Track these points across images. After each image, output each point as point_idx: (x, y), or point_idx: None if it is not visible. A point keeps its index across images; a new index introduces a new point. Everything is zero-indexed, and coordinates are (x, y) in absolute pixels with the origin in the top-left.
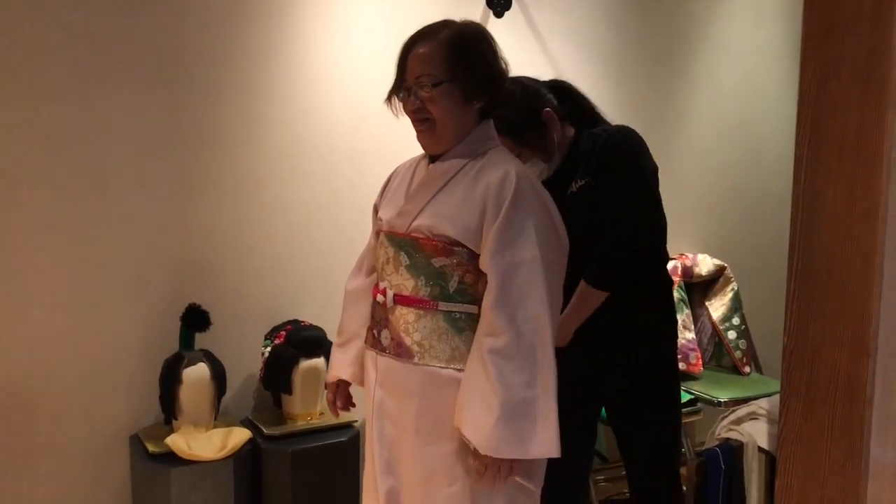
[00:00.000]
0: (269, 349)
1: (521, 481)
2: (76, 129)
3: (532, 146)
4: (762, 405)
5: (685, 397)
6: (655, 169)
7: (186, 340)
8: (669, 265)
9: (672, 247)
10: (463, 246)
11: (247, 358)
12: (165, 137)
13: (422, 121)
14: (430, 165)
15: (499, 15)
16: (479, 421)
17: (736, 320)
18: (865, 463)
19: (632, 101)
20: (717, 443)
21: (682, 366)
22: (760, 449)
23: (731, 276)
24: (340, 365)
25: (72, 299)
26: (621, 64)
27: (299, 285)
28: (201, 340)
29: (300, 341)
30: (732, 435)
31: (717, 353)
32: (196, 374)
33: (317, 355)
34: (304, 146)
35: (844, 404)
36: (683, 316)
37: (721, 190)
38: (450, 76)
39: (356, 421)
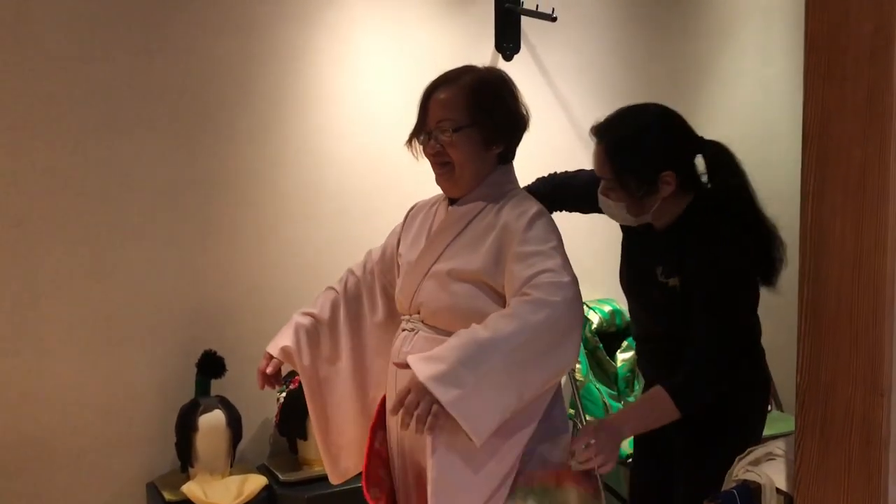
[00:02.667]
0: (284, 394)
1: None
2: (93, 178)
3: (628, 192)
4: (779, 445)
5: None
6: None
7: (202, 387)
8: None
9: None
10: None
11: (263, 404)
12: (180, 183)
13: (441, 164)
14: (450, 208)
15: (508, 58)
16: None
17: None
18: (886, 503)
19: None
20: (734, 485)
21: None
22: (779, 490)
23: None
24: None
25: (86, 346)
26: (630, 102)
27: None
28: (217, 386)
29: None
30: (750, 476)
31: None
32: (212, 421)
33: None
34: (317, 188)
35: (861, 444)
36: None
37: None
38: (470, 121)
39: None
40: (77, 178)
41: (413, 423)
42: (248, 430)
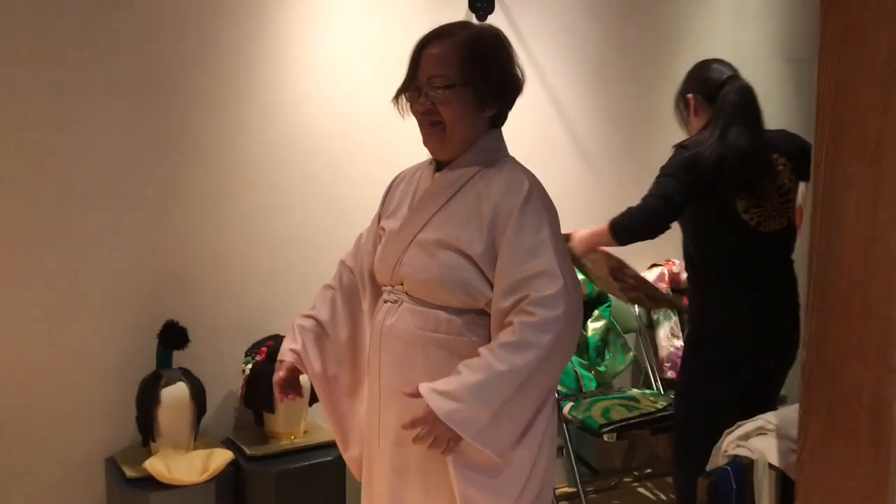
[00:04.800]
0: (250, 366)
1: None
2: (47, 139)
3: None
4: (770, 419)
5: None
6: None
7: (164, 358)
8: (656, 272)
9: (658, 253)
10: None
11: (227, 375)
12: (140, 146)
13: (431, 123)
14: (437, 174)
15: (481, 18)
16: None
17: None
18: (894, 485)
19: (615, 104)
20: (725, 461)
21: (670, 374)
22: (771, 466)
23: None
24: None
25: (41, 317)
26: (604, 66)
27: (281, 298)
28: (179, 358)
29: None
30: (741, 452)
31: None
32: (174, 393)
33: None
34: (284, 152)
35: (869, 424)
36: (672, 324)
37: None
38: (464, 79)
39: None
40: (27, 142)
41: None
42: (213, 403)
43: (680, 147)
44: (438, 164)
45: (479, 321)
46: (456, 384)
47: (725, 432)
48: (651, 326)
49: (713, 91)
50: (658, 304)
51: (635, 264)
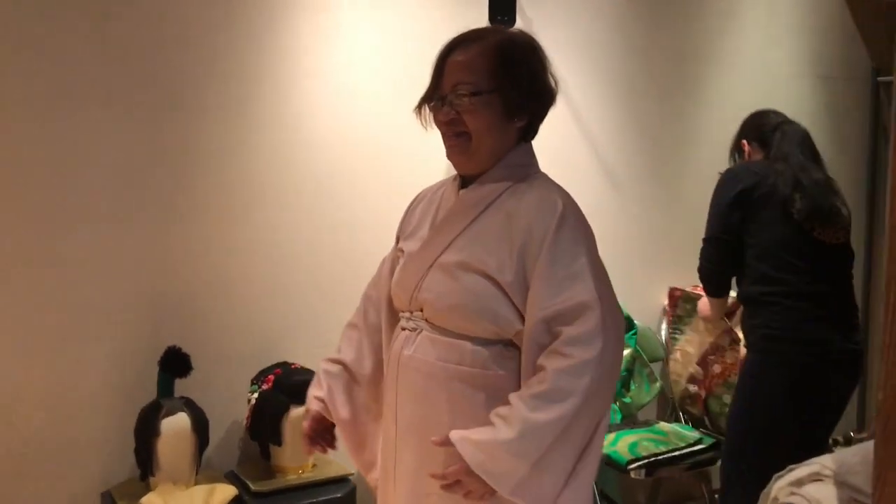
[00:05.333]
0: (255, 395)
1: None
2: (42, 154)
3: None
4: (826, 464)
5: (705, 441)
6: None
7: (165, 387)
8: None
9: (681, 278)
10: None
11: (231, 405)
12: (142, 162)
13: (456, 134)
14: (462, 191)
15: None
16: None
17: None
18: None
19: (641, 122)
20: None
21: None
22: None
23: None
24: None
25: (35, 342)
26: (630, 83)
27: (289, 324)
28: (181, 386)
29: (290, 387)
30: (795, 500)
31: None
32: (175, 424)
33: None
34: (293, 168)
35: None
36: None
37: None
38: (492, 86)
39: (352, 474)
40: (24, 156)
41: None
42: (216, 434)
43: (729, 174)
44: (463, 181)
45: (507, 353)
46: (490, 436)
47: (775, 476)
48: None
49: (767, 134)
50: None
51: (661, 288)
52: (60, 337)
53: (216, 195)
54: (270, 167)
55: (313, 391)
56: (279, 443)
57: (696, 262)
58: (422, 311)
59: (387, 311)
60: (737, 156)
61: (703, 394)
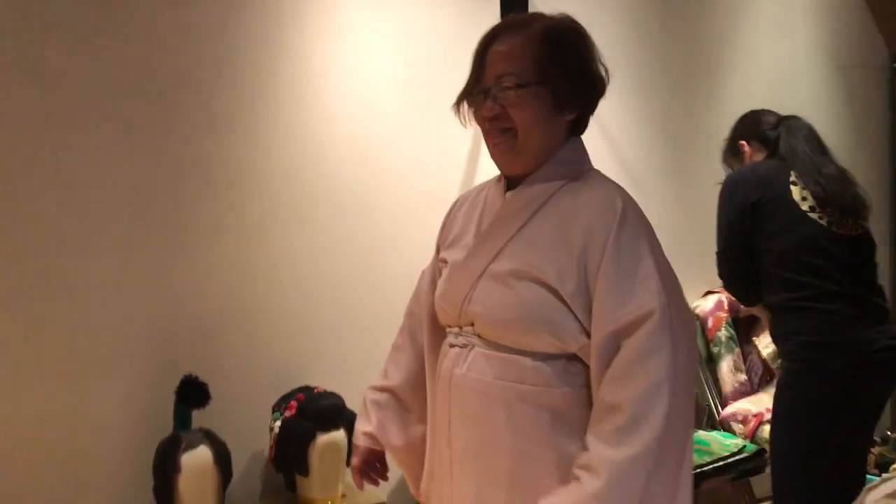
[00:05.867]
0: (279, 423)
1: None
2: (40, 180)
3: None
4: None
5: (749, 448)
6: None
7: (183, 419)
8: (712, 300)
9: (712, 280)
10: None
11: (252, 435)
12: (147, 182)
13: (501, 131)
14: (509, 193)
15: None
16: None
17: None
18: None
19: (658, 119)
20: None
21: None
22: None
23: None
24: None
25: (42, 376)
26: (647, 79)
27: (309, 347)
28: (198, 418)
29: (315, 412)
30: None
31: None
32: (197, 459)
33: (336, 427)
34: (309, 181)
35: None
36: (734, 356)
37: None
38: (540, 77)
39: (384, 502)
40: (22, 182)
41: None
42: (236, 467)
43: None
44: (509, 182)
45: (571, 368)
46: (578, 494)
47: (865, 489)
48: (712, 360)
49: (768, 131)
50: None
51: (689, 293)
52: (68, 371)
53: (228, 214)
54: (283, 182)
55: (362, 426)
56: (306, 473)
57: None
58: (472, 325)
59: (430, 328)
60: (730, 156)
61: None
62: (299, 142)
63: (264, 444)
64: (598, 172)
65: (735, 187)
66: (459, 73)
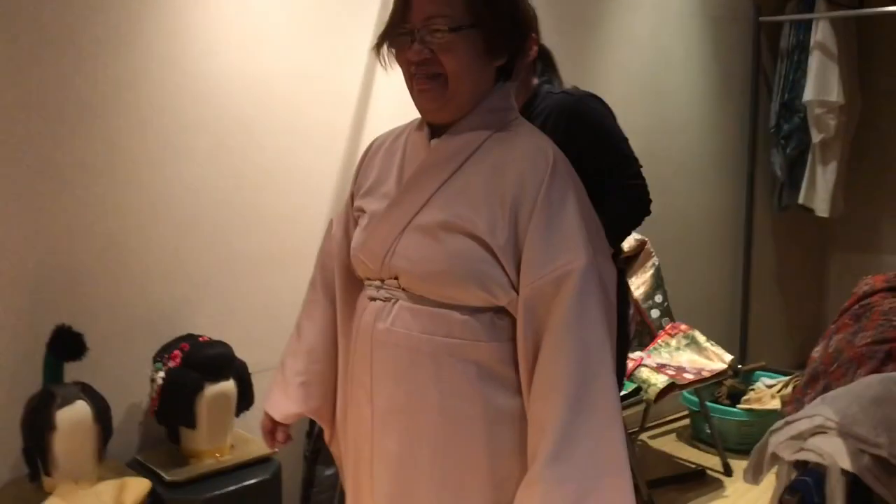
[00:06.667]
0: (162, 374)
1: None
2: None
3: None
4: (829, 416)
5: (627, 386)
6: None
7: (54, 372)
8: None
9: None
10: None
11: (128, 386)
12: (9, 107)
13: (428, 77)
14: (434, 141)
15: None
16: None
17: (659, 297)
18: None
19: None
20: (789, 466)
21: None
22: (843, 471)
23: (652, 250)
24: None
25: None
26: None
27: (191, 293)
28: (69, 370)
29: (203, 362)
30: (808, 457)
31: (640, 333)
32: (74, 415)
33: (225, 377)
34: (189, 116)
35: None
36: None
37: None
38: (471, 20)
39: (276, 451)
40: None
41: None
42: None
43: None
44: (433, 129)
45: (499, 322)
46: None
47: (770, 430)
48: None
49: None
50: None
51: None
52: None
53: (103, 149)
54: (163, 116)
55: (284, 405)
56: (193, 425)
57: None
58: (396, 279)
59: (343, 280)
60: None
61: None
62: (180, 74)
63: (142, 396)
64: (524, 121)
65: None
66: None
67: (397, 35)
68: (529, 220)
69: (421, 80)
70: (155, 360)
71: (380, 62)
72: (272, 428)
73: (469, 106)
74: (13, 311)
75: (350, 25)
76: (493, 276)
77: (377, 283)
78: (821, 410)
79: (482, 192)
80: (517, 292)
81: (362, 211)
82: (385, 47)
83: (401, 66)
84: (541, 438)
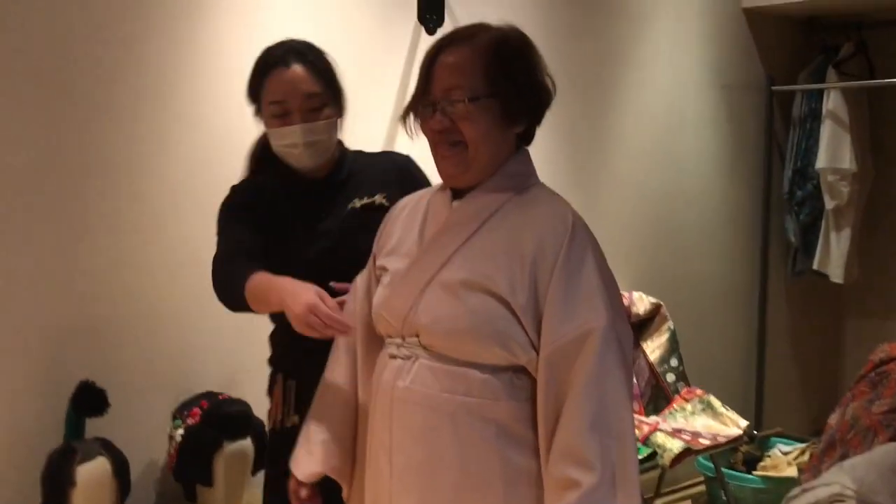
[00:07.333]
0: (180, 431)
1: None
2: None
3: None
4: (847, 483)
5: (642, 451)
6: None
7: (75, 427)
8: None
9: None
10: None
11: (146, 443)
12: (41, 169)
13: (450, 144)
14: (456, 202)
15: (431, 32)
16: None
17: (674, 362)
18: None
19: (561, 126)
20: None
21: None
22: None
23: (667, 314)
24: None
25: None
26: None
27: (211, 350)
28: (89, 426)
29: (222, 420)
30: None
31: (656, 397)
32: (94, 471)
33: (243, 436)
34: (212, 173)
35: None
36: None
37: (645, 221)
38: (489, 90)
39: None
40: None
41: None
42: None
43: None
44: (455, 191)
45: (517, 382)
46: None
47: (787, 497)
48: None
49: None
50: None
51: None
52: None
53: (127, 205)
54: (187, 173)
55: (307, 464)
56: (210, 482)
57: (621, 266)
58: (417, 336)
59: (365, 338)
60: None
61: None
62: (203, 133)
63: (160, 453)
64: (544, 186)
65: None
66: (377, 74)
67: (421, 106)
68: (549, 281)
69: (443, 147)
70: (174, 417)
71: (405, 131)
72: (297, 488)
73: (489, 171)
74: (36, 366)
75: (375, 84)
76: (513, 335)
77: (398, 340)
78: (838, 478)
79: (502, 252)
80: (537, 353)
81: (385, 269)
82: (411, 117)
83: (425, 134)
84: (560, 499)
